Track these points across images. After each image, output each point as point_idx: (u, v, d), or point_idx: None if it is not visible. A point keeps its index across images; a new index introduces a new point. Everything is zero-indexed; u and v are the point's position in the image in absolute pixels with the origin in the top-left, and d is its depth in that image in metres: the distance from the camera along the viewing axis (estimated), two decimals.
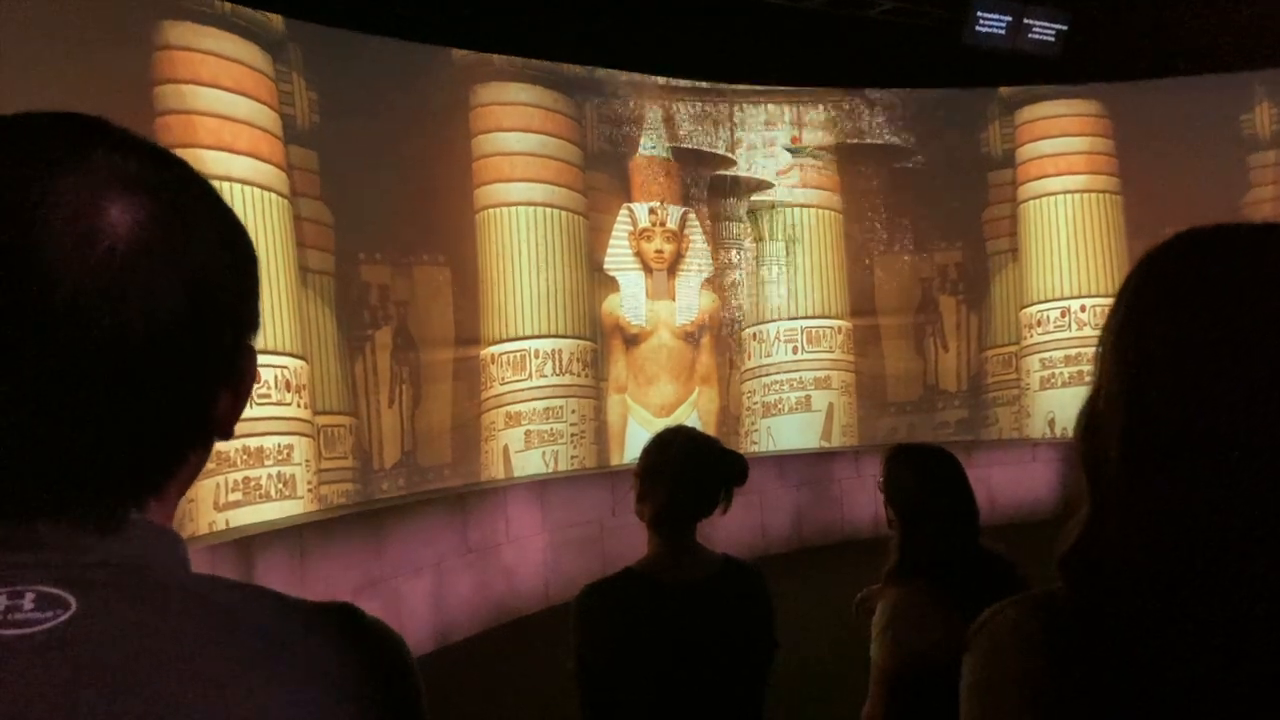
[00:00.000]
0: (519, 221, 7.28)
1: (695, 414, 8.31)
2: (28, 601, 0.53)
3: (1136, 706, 0.71)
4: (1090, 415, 0.81)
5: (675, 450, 2.03)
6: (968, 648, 0.82)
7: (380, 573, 5.71)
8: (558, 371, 7.46)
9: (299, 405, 5.83)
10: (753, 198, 8.84)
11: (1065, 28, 8.46)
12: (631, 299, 8.07)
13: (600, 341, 7.86)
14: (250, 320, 0.66)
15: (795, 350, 8.96)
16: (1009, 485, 8.46)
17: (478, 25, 6.90)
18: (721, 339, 8.68)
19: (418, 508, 6.18)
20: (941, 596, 2.17)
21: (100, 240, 0.56)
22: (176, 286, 0.58)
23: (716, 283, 8.64)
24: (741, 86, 8.72)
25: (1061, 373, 9.16)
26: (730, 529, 6.84)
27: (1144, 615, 0.73)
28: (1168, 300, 0.77)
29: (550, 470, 7.36)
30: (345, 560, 5.49)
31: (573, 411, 7.59)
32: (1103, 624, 0.74)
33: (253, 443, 5.51)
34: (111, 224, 0.56)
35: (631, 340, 8.08)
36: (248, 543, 5.03)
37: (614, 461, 7.78)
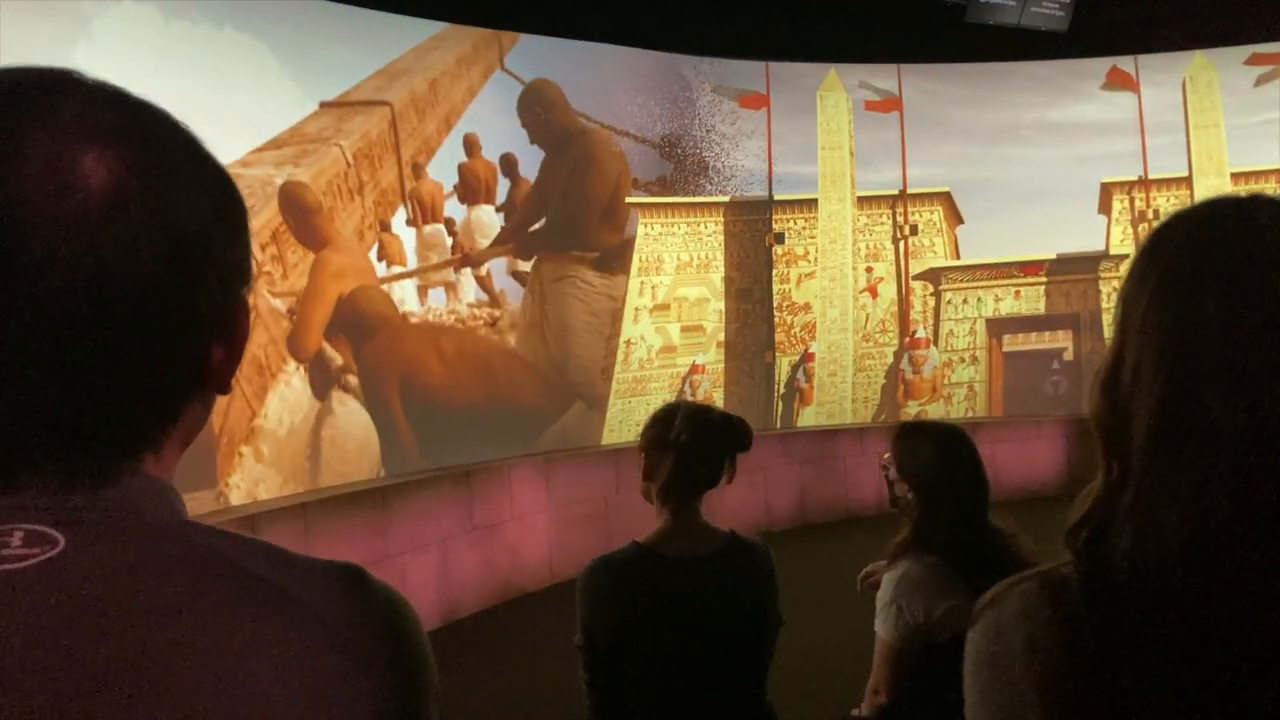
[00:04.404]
0: None
1: None
2: (15, 539, 0.53)
3: (1144, 682, 0.70)
4: (1113, 384, 0.79)
5: (679, 422, 2.03)
6: (975, 622, 0.82)
7: (385, 550, 5.72)
8: None
9: None
10: None
11: (1072, 1, 8.37)
12: None
13: None
14: (241, 272, 0.65)
15: None
16: (1013, 462, 8.45)
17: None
18: None
19: (423, 485, 6.18)
20: (948, 571, 2.18)
21: (74, 192, 0.55)
22: (157, 238, 0.57)
23: None
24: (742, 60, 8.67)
25: None
26: (735, 506, 6.91)
27: (1153, 593, 0.72)
28: (1219, 270, 0.75)
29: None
30: (350, 537, 5.50)
31: None
32: (1110, 600, 0.74)
33: None
34: (85, 175, 0.55)
35: None
36: (252, 520, 5.04)
37: None
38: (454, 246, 6.85)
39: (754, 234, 8.89)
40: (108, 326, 0.56)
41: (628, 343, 8.10)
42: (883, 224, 9.25)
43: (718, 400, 8.44)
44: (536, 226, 7.39)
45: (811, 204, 9.04)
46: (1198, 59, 9.13)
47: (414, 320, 6.56)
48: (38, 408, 0.55)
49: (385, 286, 6.38)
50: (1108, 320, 9.07)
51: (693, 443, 2.00)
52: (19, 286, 0.53)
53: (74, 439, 0.57)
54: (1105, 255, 9.31)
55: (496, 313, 7.08)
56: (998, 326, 9.39)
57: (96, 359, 0.56)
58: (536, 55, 7.39)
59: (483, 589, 6.37)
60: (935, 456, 2.32)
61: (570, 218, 7.62)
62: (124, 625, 0.52)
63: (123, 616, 0.52)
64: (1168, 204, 9.13)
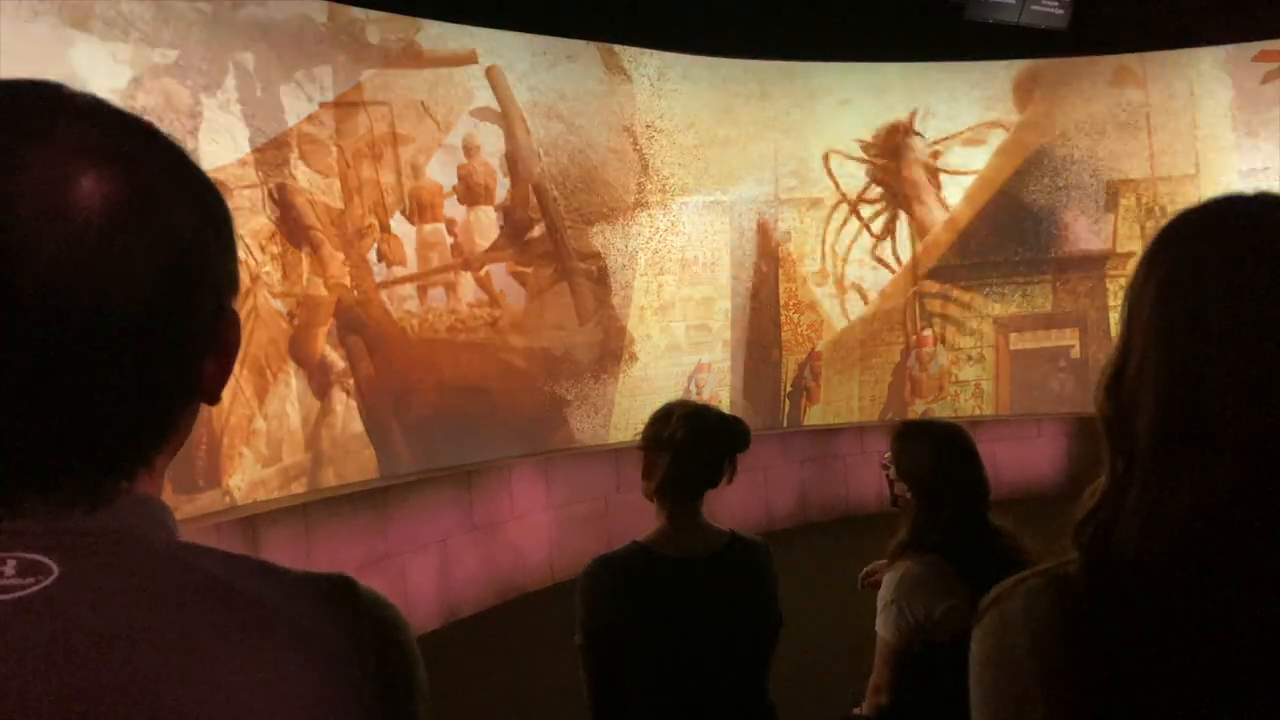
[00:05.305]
0: None
1: None
2: (9, 568, 0.53)
3: (1148, 681, 0.70)
4: (1118, 381, 0.79)
5: (676, 421, 2.01)
6: (979, 622, 0.82)
7: (386, 550, 5.73)
8: None
9: None
10: None
11: None
12: None
13: None
14: (230, 283, 0.65)
15: None
16: (1014, 461, 8.45)
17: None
18: None
19: (423, 485, 6.19)
20: (950, 570, 2.17)
21: (74, 215, 0.55)
22: (156, 257, 0.58)
23: None
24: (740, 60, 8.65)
25: None
26: (735, 505, 6.91)
27: (1159, 590, 0.71)
28: (1224, 268, 0.75)
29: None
30: (350, 538, 5.51)
31: None
32: (1115, 598, 0.73)
33: None
34: (85, 197, 0.55)
35: None
36: (253, 520, 5.05)
37: None
38: (454, 247, 6.84)
39: (761, 233, 8.88)
40: (108, 346, 0.56)
41: (633, 342, 8.09)
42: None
43: (724, 399, 8.44)
44: (536, 233, 7.38)
45: (818, 203, 9.03)
46: (1205, 56, 9.10)
47: (413, 321, 6.55)
48: (37, 430, 0.55)
49: (384, 290, 6.38)
50: (1114, 318, 9.04)
51: (689, 442, 1.99)
52: (19, 308, 0.53)
53: (72, 461, 0.57)
54: (1112, 253, 9.29)
55: (496, 313, 7.07)
56: (1004, 324, 9.38)
57: (96, 379, 0.56)
58: (536, 56, 7.38)
59: (483, 589, 6.37)
60: (932, 456, 2.31)
61: (571, 224, 7.61)
62: (117, 654, 0.52)
63: (116, 646, 0.52)
64: (1174, 202, 9.11)
